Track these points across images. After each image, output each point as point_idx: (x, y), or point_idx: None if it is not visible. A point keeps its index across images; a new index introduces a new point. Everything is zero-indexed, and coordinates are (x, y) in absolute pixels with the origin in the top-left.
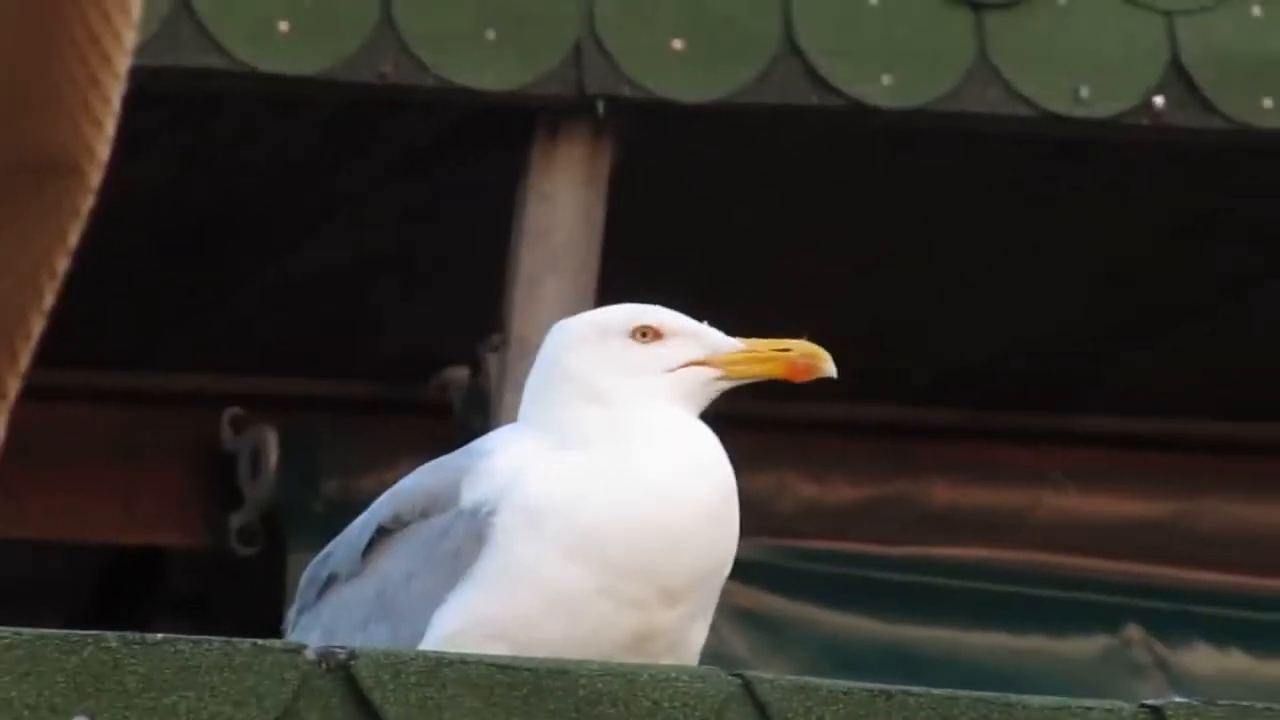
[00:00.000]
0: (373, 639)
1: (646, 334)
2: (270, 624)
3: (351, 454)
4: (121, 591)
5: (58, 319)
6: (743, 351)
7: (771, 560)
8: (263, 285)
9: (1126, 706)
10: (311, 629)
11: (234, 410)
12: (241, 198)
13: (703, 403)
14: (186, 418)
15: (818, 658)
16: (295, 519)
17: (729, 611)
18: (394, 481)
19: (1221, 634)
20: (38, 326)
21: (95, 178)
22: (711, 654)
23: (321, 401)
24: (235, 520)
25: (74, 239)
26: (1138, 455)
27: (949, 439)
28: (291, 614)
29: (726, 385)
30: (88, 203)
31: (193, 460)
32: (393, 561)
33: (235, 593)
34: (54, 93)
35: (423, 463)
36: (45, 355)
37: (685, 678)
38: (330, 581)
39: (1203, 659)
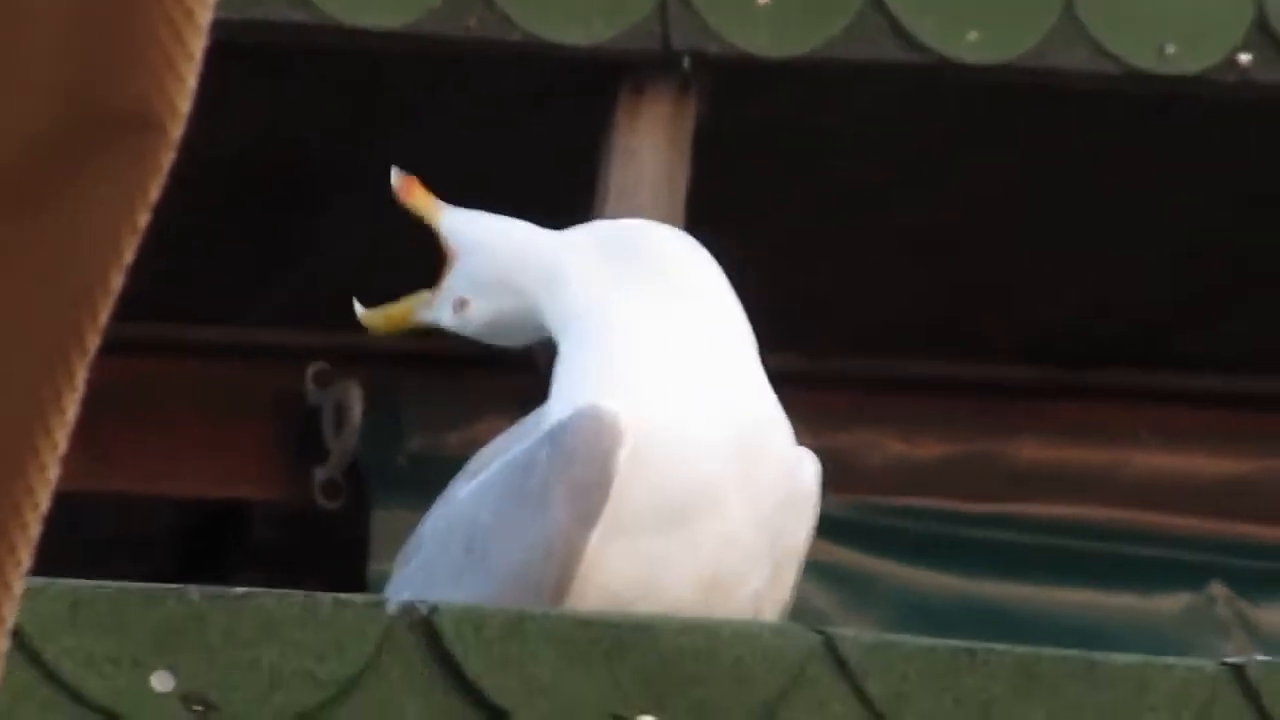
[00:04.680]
0: (470, 590)
1: (462, 305)
2: (353, 579)
3: (435, 409)
4: (205, 546)
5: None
6: (426, 216)
7: (859, 517)
8: (347, 240)
9: (1209, 665)
10: (403, 592)
11: (318, 364)
12: (326, 153)
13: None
14: (270, 372)
15: (903, 615)
16: (379, 473)
17: (813, 567)
18: (478, 437)
19: None
20: (118, 282)
21: (176, 133)
22: (796, 610)
23: (405, 356)
24: (319, 475)
25: (155, 194)
26: (1224, 413)
27: (1037, 397)
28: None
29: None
30: (169, 158)
31: (276, 414)
32: (477, 505)
33: (319, 547)
34: (136, 46)
35: (507, 418)
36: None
37: (767, 633)
38: (420, 543)
39: None
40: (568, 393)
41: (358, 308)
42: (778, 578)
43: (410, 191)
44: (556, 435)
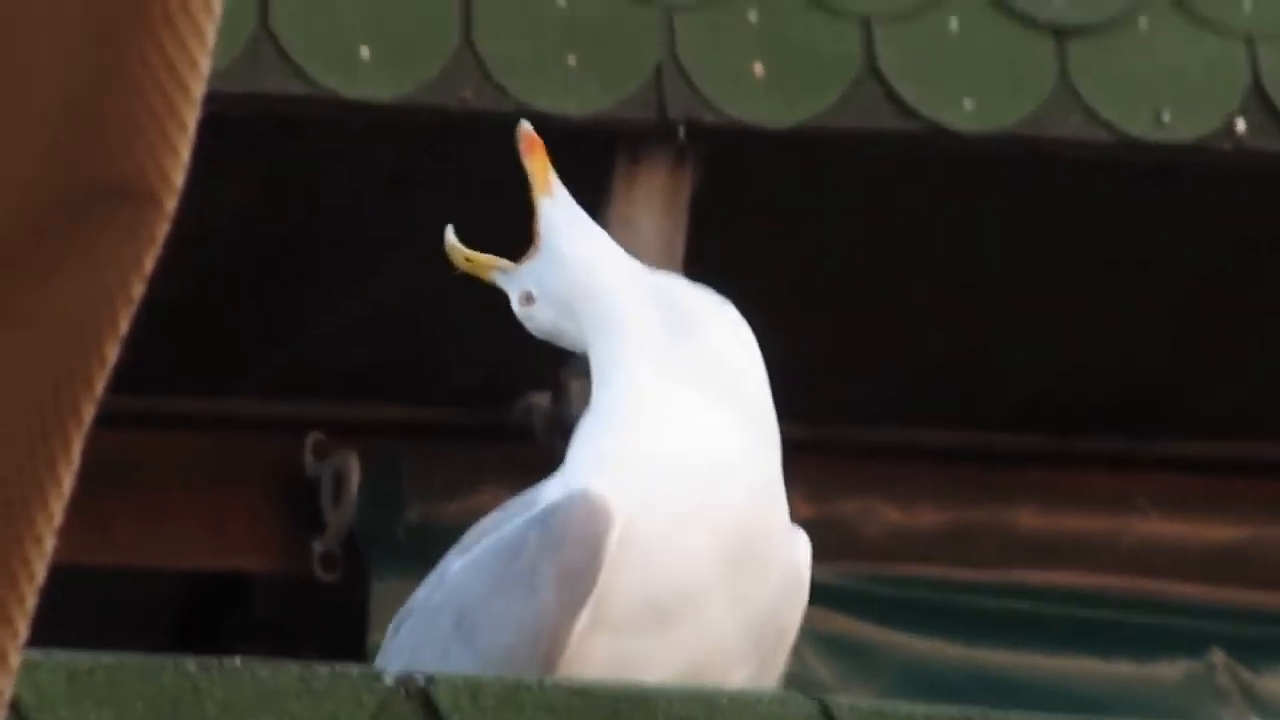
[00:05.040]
0: (456, 667)
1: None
2: (352, 649)
3: (433, 479)
4: (204, 618)
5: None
6: (534, 182)
7: (857, 586)
8: (344, 310)
9: None
10: (391, 662)
11: (316, 435)
12: (322, 223)
13: None
14: (269, 443)
15: (903, 683)
16: (377, 545)
17: (814, 637)
18: (476, 507)
19: None
20: (113, 353)
21: (171, 204)
22: (796, 680)
23: (403, 427)
24: (318, 546)
25: (150, 266)
26: (1221, 479)
27: (1033, 464)
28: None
29: (559, 189)
30: (164, 230)
31: (275, 486)
32: (468, 583)
33: (317, 619)
34: (130, 120)
35: (505, 488)
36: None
37: (764, 702)
38: (410, 614)
39: None
40: (572, 468)
41: (450, 235)
42: (767, 664)
43: (532, 149)
44: (547, 518)
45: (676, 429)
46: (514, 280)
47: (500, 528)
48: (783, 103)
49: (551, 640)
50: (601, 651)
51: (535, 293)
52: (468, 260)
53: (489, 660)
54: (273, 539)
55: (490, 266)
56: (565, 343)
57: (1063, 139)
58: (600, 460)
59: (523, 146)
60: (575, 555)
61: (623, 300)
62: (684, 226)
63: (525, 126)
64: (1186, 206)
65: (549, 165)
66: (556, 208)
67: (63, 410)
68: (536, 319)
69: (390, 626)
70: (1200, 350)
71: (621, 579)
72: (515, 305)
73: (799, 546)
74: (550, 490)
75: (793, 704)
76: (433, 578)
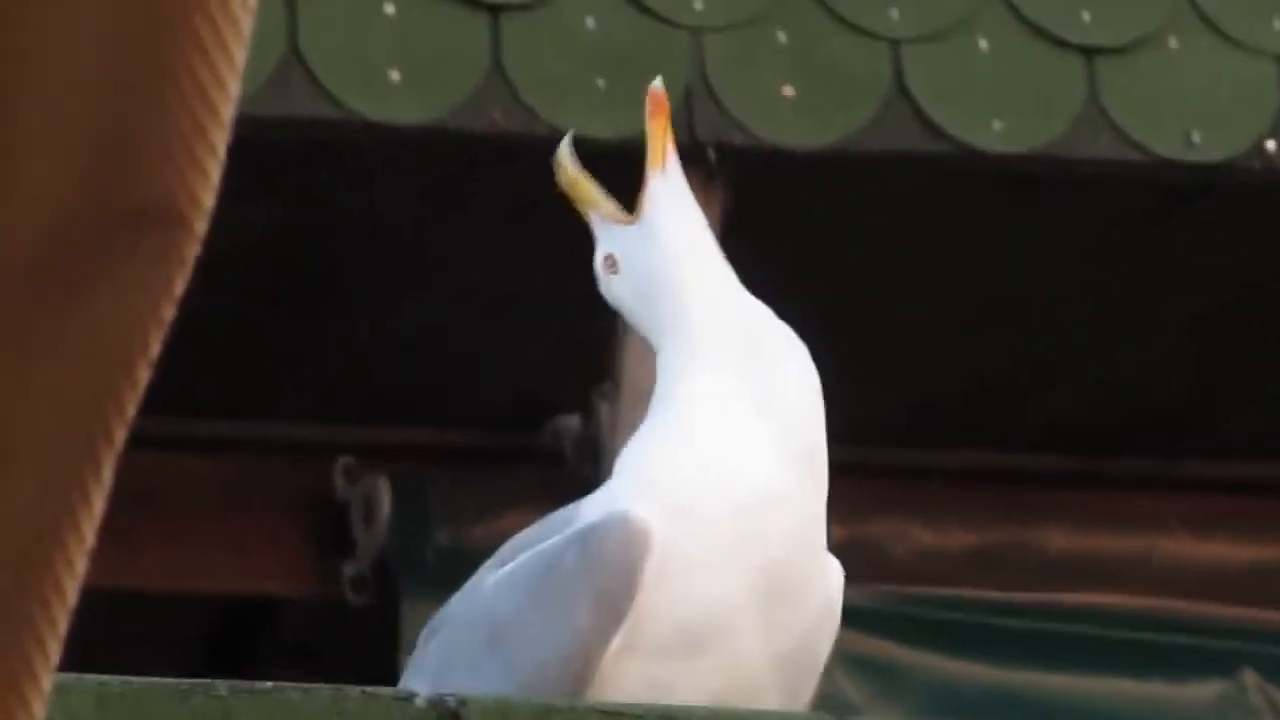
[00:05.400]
0: (486, 681)
1: (610, 264)
2: (383, 673)
3: (463, 502)
4: (235, 642)
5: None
6: (651, 151)
7: (887, 607)
8: (375, 334)
9: None
10: (422, 672)
11: (346, 459)
12: (353, 246)
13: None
14: (299, 467)
15: (933, 704)
16: (407, 568)
17: (843, 658)
18: (506, 530)
19: None
20: (144, 377)
21: (201, 227)
22: (826, 700)
23: (433, 450)
24: (348, 569)
25: (180, 288)
26: (1252, 499)
27: (1063, 485)
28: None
29: (674, 167)
30: (193, 252)
31: (305, 510)
32: (503, 598)
33: (348, 642)
34: (160, 143)
35: (535, 511)
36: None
37: None
38: (443, 624)
39: None
40: (616, 485)
41: (566, 144)
42: (797, 691)
43: (657, 112)
44: (586, 538)
45: (728, 460)
46: (605, 236)
47: (538, 543)
48: (812, 124)
49: (584, 661)
50: (633, 674)
51: (620, 261)
52: (574, 182)
53: (520, 677)
54: (303, 563)
55: (593, 202)
56: (636, 326)
57: (1092, 160)
58: (646, 482)
59: (649, 107)
60: (611, 578)
61: (704, 308)
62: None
63: (656, 85)
64: (1216, 226)
65: (669, 134)
66: (667, 184)
67: (94, 433)
68: (614, 290)
69: (421, 636)
70: (1229, 370)
71: (656, 604)
72: (598, 266)
73: (832, 574)
74: (591, 507)
75: None
76: (467, 589)
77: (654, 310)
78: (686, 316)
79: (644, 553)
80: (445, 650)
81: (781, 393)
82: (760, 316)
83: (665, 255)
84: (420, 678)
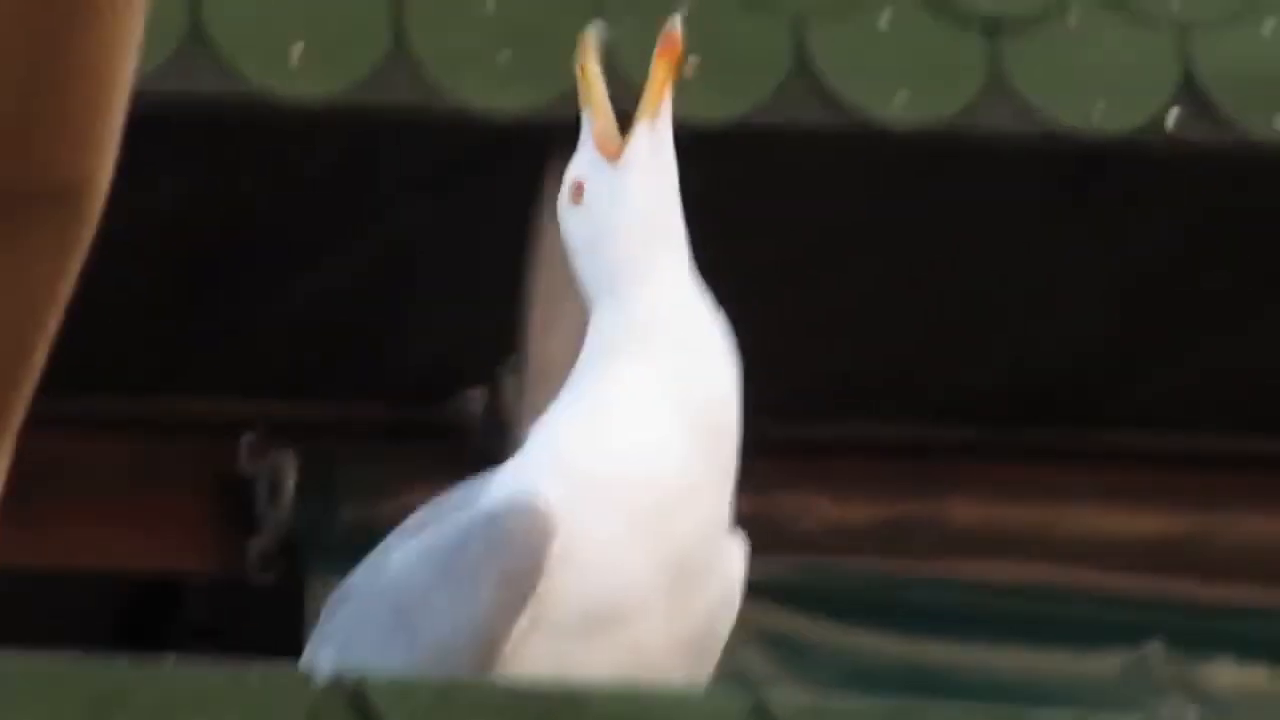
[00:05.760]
0: (391, 657)
1: (577, 190)
2: (290, 650)
3: (370, 478)
4: (140, 620)
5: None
6: (645, 98)
7: (794, 580)
8: (278, 310)
9: None
10: (325, 646)
11: (251, 436)
12: (255, 223)
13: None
14: (203, 444)
15: (841, 677)
16: (314, 544)
17: (752, 631)
18: (413, 506)
19: (1243, 649)
20: (42, 355)
21: (97, 205)
22: (734, 674)
23: (339, 426)
24: (254, 546)
25: (77, 266)
26: (1158, 471)
27: (969, 457)
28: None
29: (665, 124)
30: (91, 230)
31: (210, 486)
32: (410, 575)
33: (255, 620)
34: (56, 120)
35: (441, 486)
36: (58, 384)
37: (699, 698)
38: (348, 597)
39: (1225, 674)
40: (526, 461)
41: (597, 30)
42: (700, 667)
43: (665, 54)
44: (492, 518)
45: (641, 446)
46: (582, 160)
47: (444, 519)
48: (715, 100)
49: (490, 640)
50: (539, 654)
51: (586, 194)
52: (588, 73)
53: (426, 654)
54: (208, 540)
55: (595, 105)
56: (576, 267)
57: (996, 133)
58: (556, 461)
59: (659, 46)
60: (517, 559)
61: (647, 281)
62: None
63: (674, 25)
64: (1120, 199)
65: (669, 85)
66: (653, 136)
67: None
68: (569, 222)
69: (325, 606)
70: (1134, 342)
71: (561, 585)
72: (563, 189)
73: (735, 555)
74: (499, 484)
75: (727, 699)
76: (372, 564)
77: (599, 263)
78: (628, 285)
79: (550, 533)
80: (350, 626)
81: (703, 383)
82: (697, 303)
83: (629, 212)
84: (324, 651)
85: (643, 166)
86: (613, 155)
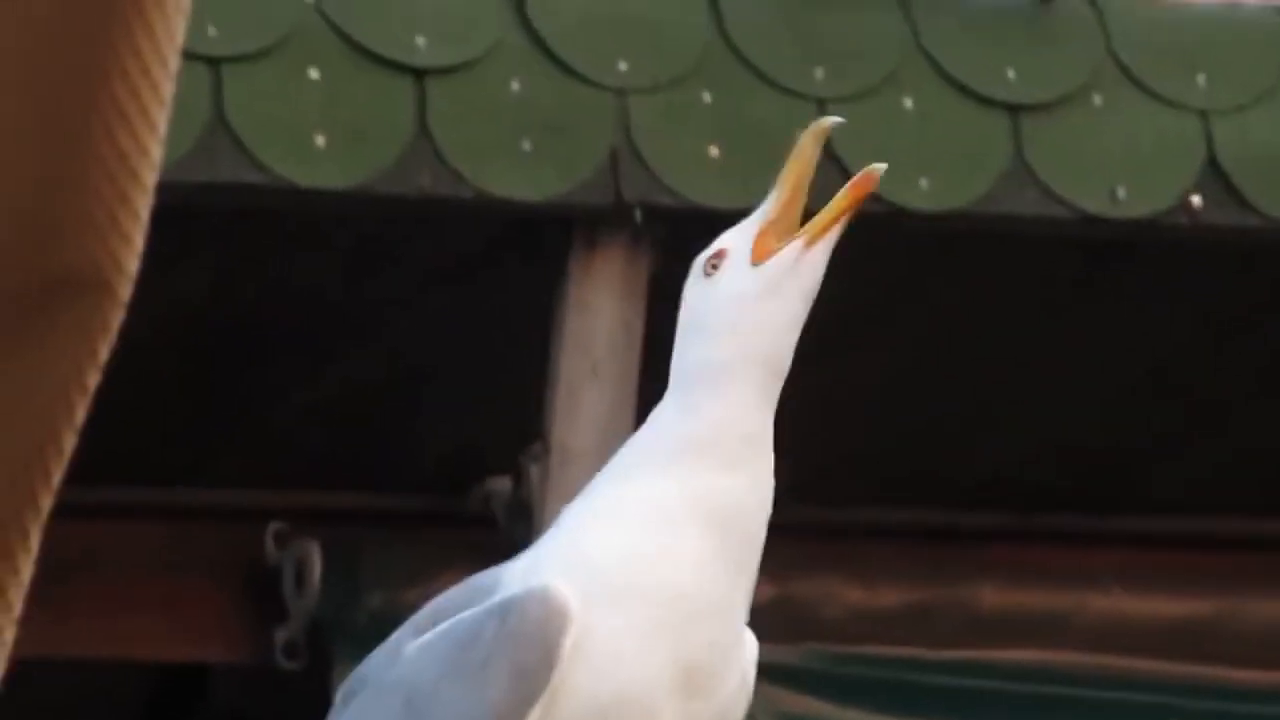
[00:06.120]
0: None
1: (715, 261)
2: None
3: (395, 566)
4: (169, 709)
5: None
6: (816, 218)
7: (818, 666)
8: (303, 399)
9: None
10: None
11: (277, 524)
12: (280, 312)
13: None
14: (229, 533)
15: None
16: (340, 632)
17: (776, 716)
18: (438, 593)
19: None
20: (70, 443)
21: (125, 293)
22: None
23: (364, 514)
24: (280, 635)
25: (104, 355)
26: (1182, 554)
27: (994, 542)
28: None
29: (819, 256)
30: (118, 318)
31: (236, 575)
32: (421, 666)
33: (281, 707)
34: (81, 212)
35: (466, 574)
36: (87, 472)
37: None
38: (361, 687)
39: None
40: (544, 555)
41: (832, 121)
42: None
43: (859, 187)
44: (505, 610)
45: (666, 559)
46: (736, 235)
47: (458, 610)
48: (739, 184)
49: None
50: None
51: (723, 272)
52: (803, 151)
53: None
54: (235, 628)
55: (793, 184)
56: (678, 336)
57: (1018, 216)
58: (576, 558)
59: (854, 179)
60: (529, 652)
61: (728, 398)
62: (642, 309)
63: (878, 166)
64: (1145, 283)
65: (847, 218)
66: (802, 260)
67: (20, 501)
68: (693, 290)
69: (338, 696)
70: (1159, 425)
71: (574, 681)
72: (704, 255)
73: (748, 649)
74: (514, 576)
75: None
76: (385, 652)
77: (690, 351)
78: (705, 391)
79: (563, 628)
80: (362, 715)
81: (743, 512)
82: (762, 441)
83: (738, 320)
84: None
85: (774, 285)
86: (759, 256)
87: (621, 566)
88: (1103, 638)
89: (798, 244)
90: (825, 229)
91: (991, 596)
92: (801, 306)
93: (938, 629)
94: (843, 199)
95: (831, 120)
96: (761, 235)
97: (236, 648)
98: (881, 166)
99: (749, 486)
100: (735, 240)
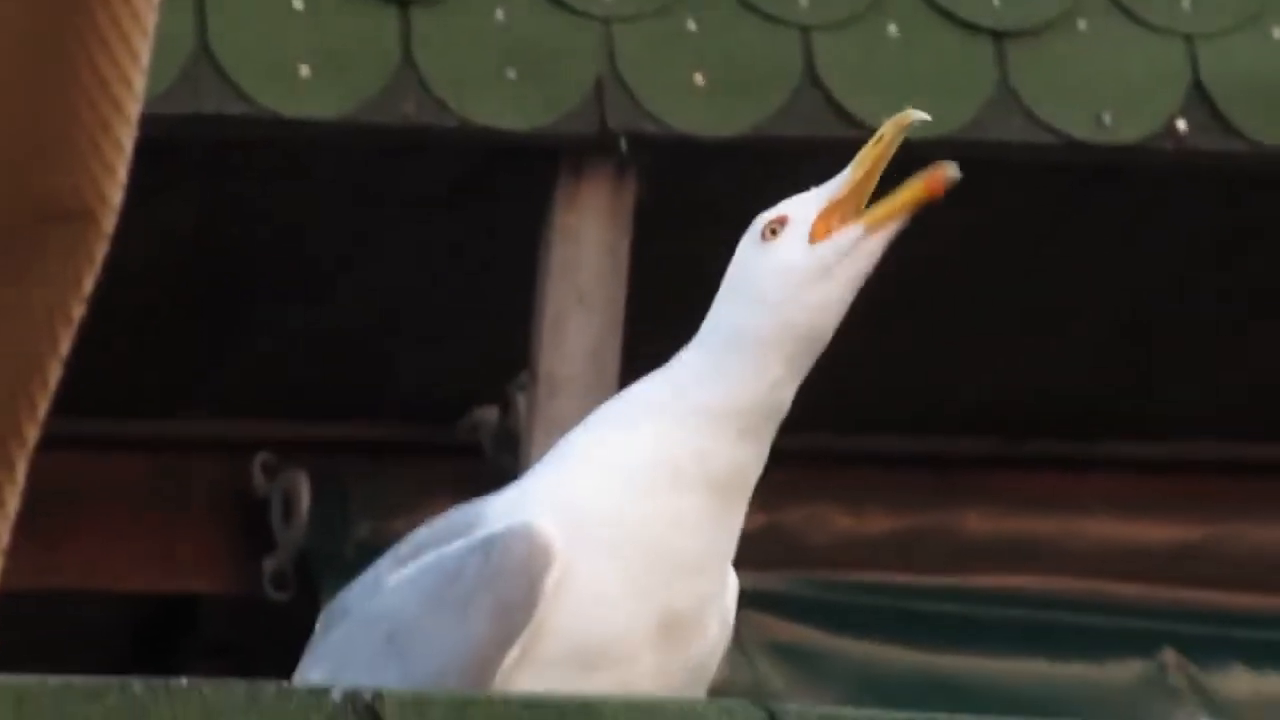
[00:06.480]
0: (383, 684)
1: (774, 228)
2: None
3: (383, 497)
4: (156, 640)
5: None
6: (880, 205)
7: (808, 593)
8: (290, 329)
9: None
10: (318, 665)
11: (265, 455)
12: (267, 242)
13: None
14: (218, 464)
15: (855, 689)
16: (327, 563)
17: (765, 644)
18: (424, 522)
19: (1258, 657)
20: (55, 375)
21: (109, 224)
22: (749, 687)
23: (352, 445)
24: (268, 565)
25: (89, 285)
26: (1172, 480)
27: (983, 468)
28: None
29: (877, 245)
30: (102, 248)
31: (225, 506)
32: (404, 600)
33: (269, 638)
34: (64, 140)
35: (454, 504)
36: (74, 404)
37: (712, 712)
38: (341, 620)
39: (1239, 682)
40: (529, 490)
41: (919, 116)
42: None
43: (930, 185)
44: (489, 547)
45: (656, 507)
46: (800, 205)
47: (441, 543)
48: (724, 112)
49: (480, 671)
50: (527, 687)
51: (780, 240)
52: (885, 138)
53: (417, 682)
54: (223, 559)
55: (868, 168)
56: (720, 292)
57: (1005, 143)
58: (566, 497)
59: (926, 175)
60: (512, 590)
61: (754, 371)
62: (628, 237)
63: (951, 169)
64: (1131, 209)
65: (910, 212)
66: (859, 245)
67: (5, 433)
68: (747, 250)
69: (319, 622)
70: (1147, 351)
71: (555, 620)
72: (763, 219)
73: (729, 592)
74: (499, 510)
75: (740, 712)
76: (366, 582)
77: (733, 312)
78: (733, 358)
79: (547, 566)
80: (343, 647)
81: (744, 475)
82: (773, 416)
83: (789, 296)
84: (317, 669)
85: (826, 267)
86: (818, 235)
87: (614, 516)
88: (1092, 563)
89: (857, 229)
90: (887, 218)
91: (979, 523)
92: (849, 291)
93: (926, 556)
94: (910, 193)
95: (916, 114)
96: (825, 213)
97: (224, 579)
98: (953, 167)
99: (757, 455)
100: (799, 211)
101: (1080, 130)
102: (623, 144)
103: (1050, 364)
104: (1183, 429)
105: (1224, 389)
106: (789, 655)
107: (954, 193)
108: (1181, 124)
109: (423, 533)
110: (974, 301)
